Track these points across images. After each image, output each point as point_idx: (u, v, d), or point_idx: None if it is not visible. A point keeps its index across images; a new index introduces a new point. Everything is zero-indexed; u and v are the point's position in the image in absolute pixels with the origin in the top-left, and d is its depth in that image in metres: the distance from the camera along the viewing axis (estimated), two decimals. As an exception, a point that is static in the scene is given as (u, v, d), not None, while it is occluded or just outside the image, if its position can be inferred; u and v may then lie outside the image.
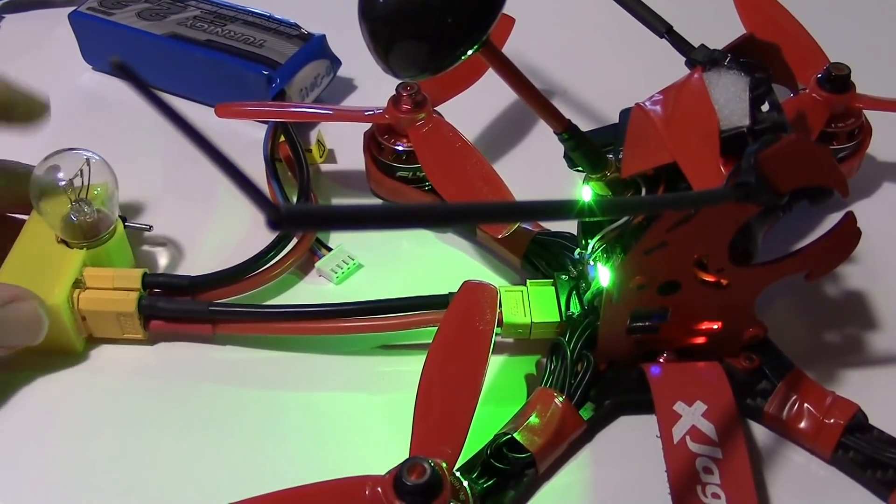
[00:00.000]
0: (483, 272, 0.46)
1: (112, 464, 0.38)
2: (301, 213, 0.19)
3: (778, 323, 0.41)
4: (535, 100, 0.35)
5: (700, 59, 0.39)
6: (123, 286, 0.41)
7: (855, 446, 0.37)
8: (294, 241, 0.45)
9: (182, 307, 0.42)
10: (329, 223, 0.20)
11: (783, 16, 0.50)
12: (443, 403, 0.35)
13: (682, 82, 0.37)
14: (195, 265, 0.46)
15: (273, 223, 0.18)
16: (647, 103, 0.37)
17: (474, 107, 0.50)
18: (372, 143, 0.48)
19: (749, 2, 0.50)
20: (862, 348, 0.42)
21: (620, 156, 0.38)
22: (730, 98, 0.35)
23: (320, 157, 0.50)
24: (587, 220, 0.39)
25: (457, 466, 0.35)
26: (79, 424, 0.40)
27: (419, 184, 0.47)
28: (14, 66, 0.56)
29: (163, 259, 0.46)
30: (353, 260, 0.45)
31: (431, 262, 0.46)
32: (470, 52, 0.31)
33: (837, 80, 0.46)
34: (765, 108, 0.36)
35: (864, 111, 0.47)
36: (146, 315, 0.42)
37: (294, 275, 0.45)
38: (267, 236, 0.44)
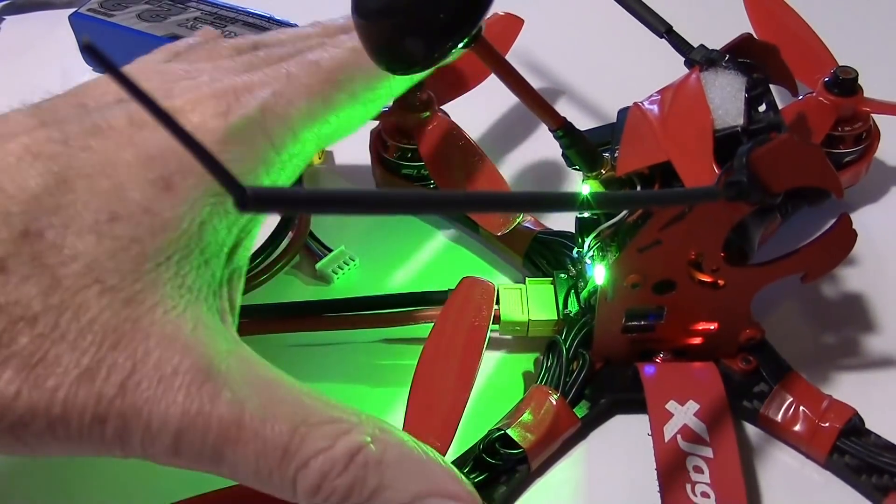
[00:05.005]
0: (485, 270, 0.46)
1: (111, 466, 0.39)
2: (267, 195, 0.19)
3: (775, 325, 0.40)
4: (529, 97, 0.35)
5: (698, 59, 0.39)
6: None
7: (850, 450, 0.37)
8: (285, 242, 0.44)
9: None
10: (296, 205, 0.21)
11: (792, 18, 0.50)
12: (434, 397, 0.36)
13: (680, 82, 0.37)
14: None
15: (240, 203, 0.19)
16: (644, 102, 0.37)
17: (480, 106, 0.51)
18: (377, 142, 0.48)
19: (759, 4, 0.50)
20: (860, 352, 0.42)
21: (616, 154, 0.38)
22: (725, 98, 0.36)
23: (319, 158, 0.51)
24: (581, 216, 0.39)
25: (450, 461, 0.35)
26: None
27: (424, 182, 0.48)
28: (14, 67, 0.57)
29: None
30: (353, 261, 0.45)
31: (434, 262, 0.46)
32: (460, 47, 0.32)
33: (845, 83, 0.45)
34: (762, 108, 0.37)
35: (872, 115, 0.47)
36: None
37: (293, 276, 0.45)
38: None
